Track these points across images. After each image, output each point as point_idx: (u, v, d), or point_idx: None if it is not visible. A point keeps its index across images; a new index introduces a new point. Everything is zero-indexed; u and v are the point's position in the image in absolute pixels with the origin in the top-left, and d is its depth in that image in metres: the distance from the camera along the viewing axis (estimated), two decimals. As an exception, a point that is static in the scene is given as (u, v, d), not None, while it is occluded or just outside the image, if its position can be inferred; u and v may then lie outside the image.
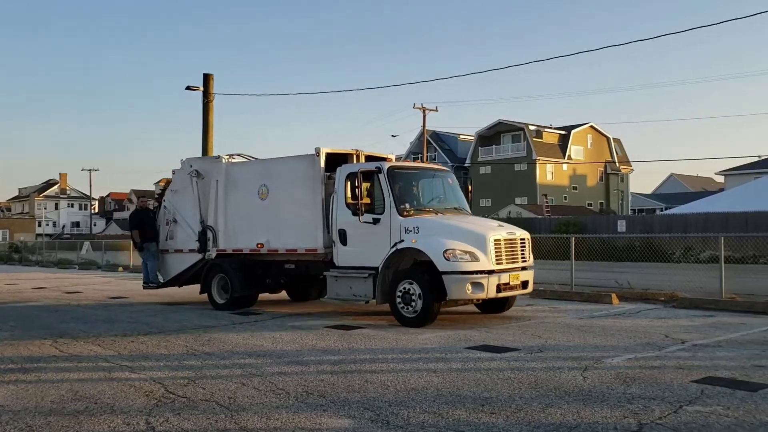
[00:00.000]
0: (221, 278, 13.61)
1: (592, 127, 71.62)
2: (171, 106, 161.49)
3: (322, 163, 12.24)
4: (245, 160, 14.54)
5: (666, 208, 60.21)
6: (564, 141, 69.19)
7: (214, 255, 13.83)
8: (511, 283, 10.80)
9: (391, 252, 10.97)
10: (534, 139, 66.57)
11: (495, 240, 10.64)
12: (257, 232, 13.20)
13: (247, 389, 6.77)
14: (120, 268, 29.90)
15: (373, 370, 7.60)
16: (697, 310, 12.66)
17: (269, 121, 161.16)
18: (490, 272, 10.45)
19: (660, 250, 23.65)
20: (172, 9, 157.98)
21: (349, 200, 11.25)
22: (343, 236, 11.61)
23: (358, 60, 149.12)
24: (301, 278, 13.59)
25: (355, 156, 12.78)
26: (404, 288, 10.72)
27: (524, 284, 11.21)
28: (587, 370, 7.44)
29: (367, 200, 11.25)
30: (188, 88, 24.62)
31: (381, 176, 11.30)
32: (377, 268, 11.15)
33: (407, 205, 11.24)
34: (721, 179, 57.40)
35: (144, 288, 15.40)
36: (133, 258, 30.24)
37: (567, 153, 68.66)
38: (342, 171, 11.73)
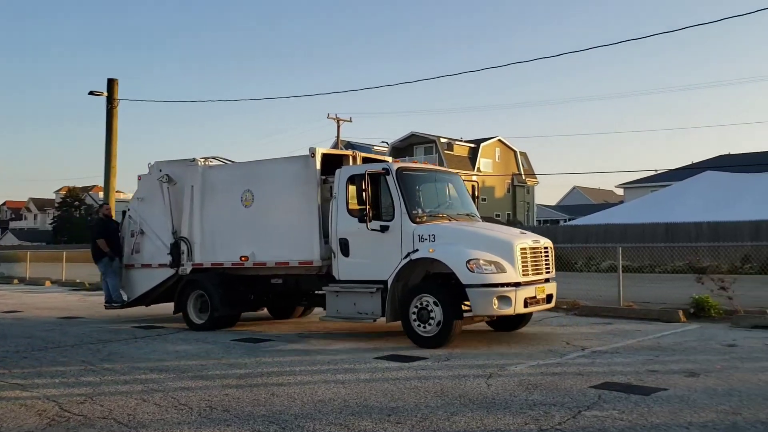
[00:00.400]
0: (199, 296, 12.19)
1: (500, 140, 73.56)
2: (71, 112, 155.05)
3: (318, 165, 11.03)
4: (222, 163, 13.21)
5: (569, 219, 62.49)
6: (474, 154, 70.75)
7: (189, 270, 12.38)
8: (537, 297, 9.80)
9: (403, 263, 9.86)
10: (445, 151, 67.75)
11: (521, 248, 9.65)
12: (241, 244, 11.80)
13: (147, 405, 6.53)
14: (15, 281, 28.35)
15: (280, 383, 7.50)
16: (597, 317, 13.12)
17: (178, 131, 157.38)
18: (517, 285, 9.43)
19: (563, 259, 24.45)
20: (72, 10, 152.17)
21: (352, 206, 10.26)
22: (344, 246, 10.44)
23: (271, 72, 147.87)
24: (290, 294, 12.18)
25: (351, 158, 11.63)
26: (421, 303, 9.63)
27: (548, 298, 10.22)
28: (492, 378, 7.59)
29: (355, 206, 10.30)
30: (91, 93, 23.70)
31: (389, 178, 10.16)
32: (385, 281, 10.02)
33: (420, 211, 10.21)
34: (620, 192, 60.03)
35: (107, 308, 13.80)
36: (30, 270, 28.81)
37: (476, 165, 70.23)
38: (342, 173, 10.62)
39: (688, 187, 34.62)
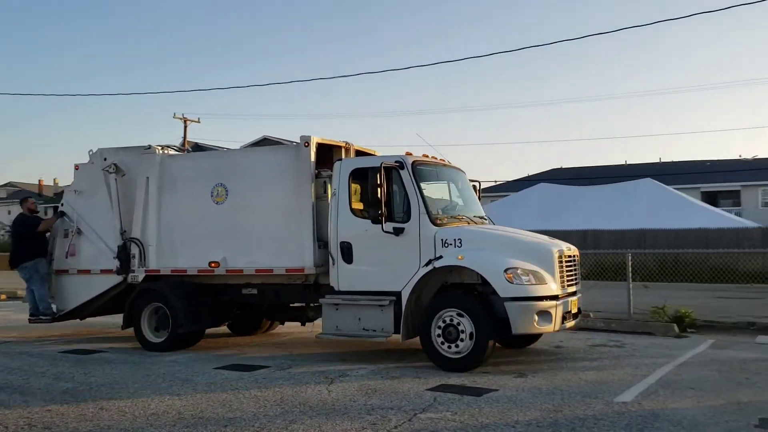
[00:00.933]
0: (156, 309, 10.29)
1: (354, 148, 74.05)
2: None
3: (313, 157, 9.52)
4: (184, 152, 11.37)
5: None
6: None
7: (141, 277, 10.47)
8: (571, 311, 8.71)
9: (424, 271, 8.55)
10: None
11: (559, 256, 8.61)
12: (210, 247, 10.04)
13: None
14: None
15: (109, 397, 7.12)
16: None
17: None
18: (555, 298, 8.33)
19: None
20: None
21: (356, 204, 9.02)
22: (347, 251, 8.99)
23: (116, 68, 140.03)
24: (266, 307, 10.63)
25: (344, 149, 10.16)
26: (447, 320, 8.34)
27: (579, 312, 9.19)
28: (333, 384, 7.64)
29: (360, 205, 9.08)
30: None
31: (404, 173, 8.83)
32: (398, 293, 8.69)
33: (439, 212, 9.08)
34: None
35: (31, 321, 11.48)
36: None
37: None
38: (343, 167, 9.20)
39: (524, 198, 36.63)
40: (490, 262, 8.32)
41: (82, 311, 11.28)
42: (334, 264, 9.11)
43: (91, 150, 11.37)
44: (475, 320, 8.19)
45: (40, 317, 11.35)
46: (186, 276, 10.32)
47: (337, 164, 9.30)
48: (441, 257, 8.49)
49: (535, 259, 8.37)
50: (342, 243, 9.03)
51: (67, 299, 11.26)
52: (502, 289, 8.10)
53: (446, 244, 8.53)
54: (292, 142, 10.62)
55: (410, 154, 9.11)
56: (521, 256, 8.35)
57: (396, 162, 8.85)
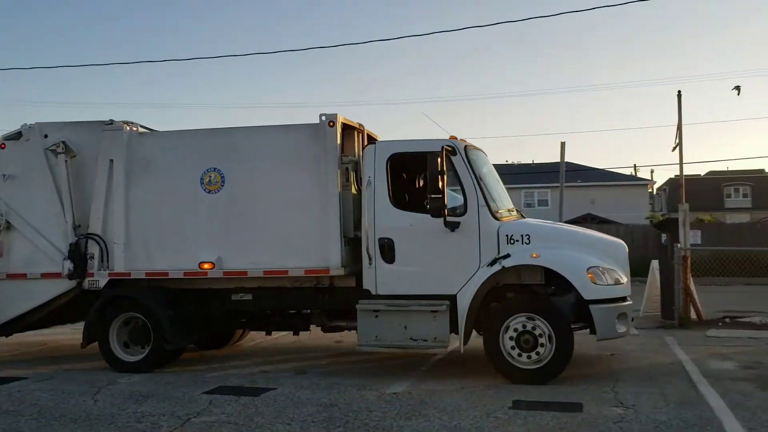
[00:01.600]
0: (132, 321, 8.58)
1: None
2: None
3: (339, 139, 8.22)
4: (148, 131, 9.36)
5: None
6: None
7: (103, 282, 8.66)
8: None
9: (492, 271, 7.57)
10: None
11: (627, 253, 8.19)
12: (199, 245, 8.44)
13: None
14: None
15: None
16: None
17: None
18: (625, 299, 7.77)
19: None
20: None
21: (396, 195, 8.03)
22: (388, 249, 7.86)
23: None
24: (259, 315, 9.06)
25: (357, 132, 8.73)
26: (521, 326, 7.44)
27: None
28: (100, 393, 7.20)
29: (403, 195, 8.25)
30: None
31: (456, 159, 7.82)
32: (452, 296, 7.71)
33: (496, 204, 8.09)
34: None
35: None
36: None
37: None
38: (379, 151, 8.07)
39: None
40: (569, 260, 7.60)
41: (12, 327, 9.07)
42: (371, 264, 7.89)
43: (25, 124, 9.16)
44: (554, 325, 7.37)
45: None
46: (165, 280, 8.61)
47: (370, 148, 8.14)
48: (509, 255, 7.59)
49: (611, 257, 7.85)
50: (381, 240, 7.87)
51: None
52: (586, 290, 7.39)
53: (512, 241, 7.69)
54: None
55: (454, 137, 8.07)
56: (596, 254, 7.78)
57: (449, 146, 7.79)
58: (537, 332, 7.38)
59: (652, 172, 66.36)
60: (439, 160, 7.48)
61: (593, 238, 8.30)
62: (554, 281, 7.68)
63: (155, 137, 9.16)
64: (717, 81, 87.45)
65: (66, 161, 8.81)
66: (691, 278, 12.20)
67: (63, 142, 8.81)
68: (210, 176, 8.48)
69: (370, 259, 7.88)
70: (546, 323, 7.37)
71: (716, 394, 6.80)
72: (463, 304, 7.57)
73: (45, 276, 8.75)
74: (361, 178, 8.24)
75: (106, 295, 8.57)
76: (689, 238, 12.38)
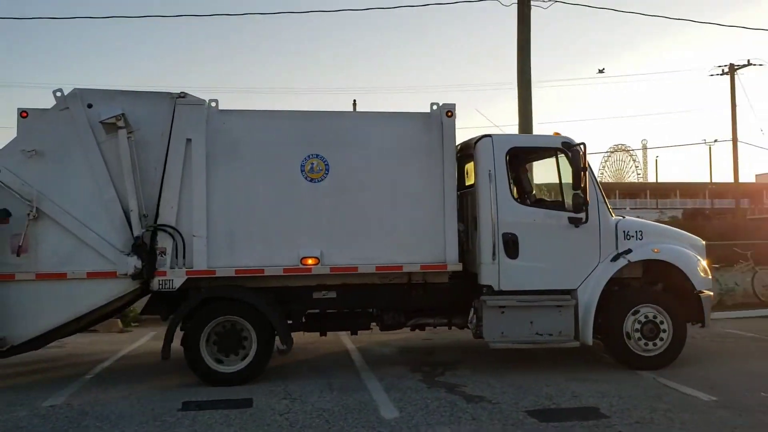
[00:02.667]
0: (228, 325, 7.42)
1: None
2: None
3: (455, 131, 7.92)
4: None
5: None
6: None
7: (179, 282, 7.34)
8: None
9: (620, 266, 7.93)
10: None
11: None
12: (299, 238, 7.62)
13: None
14: None
15: None
16: None
17: None
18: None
19: None
20: None
21: (519, 190, 8.20)
22: (512, 245, 7.77)
23: None
24: (340, 314, 8.25)
25: None
26: (644, 316, 7.83)
27: None
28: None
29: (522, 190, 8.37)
30: None
31: (574, 155, 7.79)
32: (572, 290, 7.90)
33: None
34: None
35: None
36: None
37: None
38: (497, 145, 7.94)
39: None
40: (682, 255, 8.21)
41: (45, 340, 7.46)
42: (494, 260, 7.75)
43: (59, 90, 7.37)
44: (672, 314, 7.92)
45: None
46: (258, 278, 7.59)
47: (486, 141, 7.97)
48: (631, 250, 8.00)
49: (698, 251, 8.48)
50: (506, 234, 7.79)
51: (19, 322, 7.18)
52: (697, 282, 8.10)
53: (628, 237, 8.10)
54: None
55: (559, 134, 8.21)
56: (691, 249, 8.41)
57: (579, 143, 7.88)
58: (658, 321, 7.86)
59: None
60: (581, 157, 7.67)
61: (680, 233, 8.87)
62: (650, 274, 8.35)
63: (243, 116, 7.82)
64: None
65: (129, 137, 7.27)
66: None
67: (123, 115, 7.20)
68: (312, 163, 7.68)
69: (493, 254, 7.76)
70: (665, 313, 7.88)
71: (375, 378, 7.54)
72: (586, 298, 7.84)
73: (92, 275, 7.23)
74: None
75: (203, 297, 7.40)
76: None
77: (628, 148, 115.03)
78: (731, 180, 30.28)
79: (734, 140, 31.02)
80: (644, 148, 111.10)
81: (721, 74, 31.82)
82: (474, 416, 6.07)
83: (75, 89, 7.44)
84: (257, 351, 7.40)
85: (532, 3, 15.00)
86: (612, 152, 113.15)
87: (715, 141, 48.28)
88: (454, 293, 8.06)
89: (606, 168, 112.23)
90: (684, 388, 6.95)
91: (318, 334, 8.44)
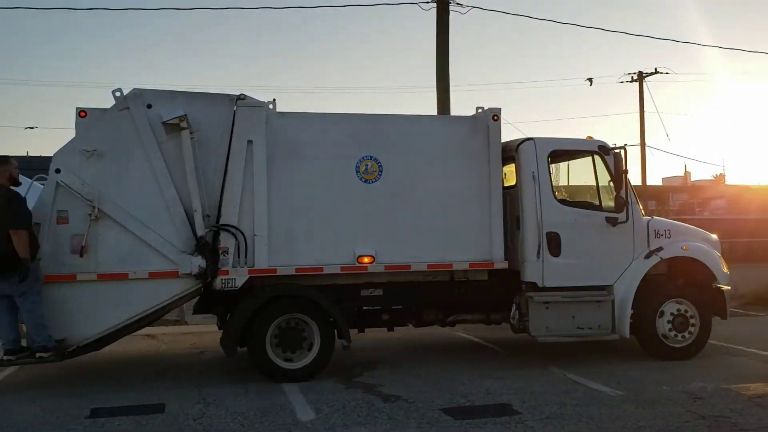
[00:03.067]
0: (290, 322, 7.52)
1: None
2: None
3: (500, 134, 8.26)
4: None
5: None
6: None
7: (241, 281, 7.39)
8: None
9: (653, 263, 8.45)
10: None
11: None
12: (355, 237, 7.78)
13: None
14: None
15: None
16: None
17: None
18: None
19: None
20: None
21: (559, 190, 8.53)
22: (555, 243, 8.15)
23: None
24: (385, 311, 8.41)
25: None
26: (675, 309, 8.40)
27: None
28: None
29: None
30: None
31: (609, 159, 8.36)
32: (609, 286, 8.35)
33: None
34: None
35: (10, 362, 7.00)
36: None
37: None
38: (540, 147, 8.32)
39: None
40: (707, 253, 8.78)
41: (105, 340, 7.63)
42: (538, 257, 8.10)
43: (118, 90, 7.38)
44: (699, 307, 8.47)
45: (38, 355, 6.89)
46: (316, 276, 7.78)
47: (530, 144, 8.34)
48: (662, 248, 8.51)
49: (714, 247, 9.05)
50: (549, 234, 8.16)
51: (80, 323, 7.20)
52: (721, 277, 8.69)
53: (658, 235, 8.60)
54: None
55: (592, 138, 8.70)
56: (709, 245, 8.99)
57: (619, 147, 8.52)
58: (688, 314, 8.41)
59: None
60: (620, 159, 8.20)
61: (700, 231, 9.33)
62: (673, 270, 8.77)
63: (300, 118, 8.00)
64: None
65: (191, 138, 7.32)
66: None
67: (185, 116, 7.26)
68: (366, 164, 7.88)
69: (538, 252, 8.09)
70: (693, 306, 8.44)
71: (292, 381, 7.38)
72: (622, 293, 8.29)
73: (154, 275, 7.28)
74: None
75: (267, 295, 7.51)
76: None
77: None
78: (639, 183, 31.58)
79: (642, 145, 32.34)
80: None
81: (630, 81, 33.17)
82: (390, 416, 6.13)
83: (135, 89, 7.43)
84: (321, 347, 7.55)
85: (450, 8, 15.26)
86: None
87: (625, 145, 50.40)
88: (493, 290, 8.34)
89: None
90: (592, 383, 7.24)
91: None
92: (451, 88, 15.09)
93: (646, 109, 32.07)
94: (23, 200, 7.03)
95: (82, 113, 7.36)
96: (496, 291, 8.33)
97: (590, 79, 32.34)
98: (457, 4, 15.22)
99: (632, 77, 32.92)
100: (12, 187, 7.07)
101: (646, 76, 32.60)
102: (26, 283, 6.73)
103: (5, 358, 7.00)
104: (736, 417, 5.95)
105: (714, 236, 9.27)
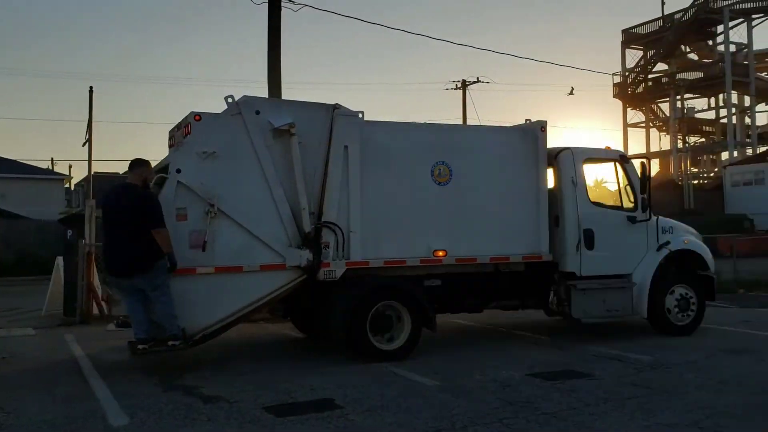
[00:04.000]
0: (381, 309, 8.31)
1: None
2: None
3: (547, 142, 9.47)
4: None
5: None
6: None
7: (340, 272, 8.19)
8: None
9: (664, 255, 9.97)
10: None
11: None
12: (428, 234, 8.77)
13: None
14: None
15: None
16: None
17: None
18: None
19: None
20: None
21: (593, 193, 9.93)
22: (590, 238, 9.47)
23: None
24: (445, 300, 9.16)
25: None
26: (681, 294, 9.99)
27: None
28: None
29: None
30: None
31: (629, 166, 10.04)
32: (628, 275, 9.79)
33: None
34: None
35: (143, 352, 7.48)
36: None
37: None
38: (577, 156, 9.66)
39: None
40: (701, 245, 10.51)
41: (219, 330, 7.96)
42: (577, 251, 9.43)
43: (230, 96, 7.91)
44: (697, 292, 10.06)
45: (174, 342, 7.36)
46: (397, 268, 8.67)
47: (567, 153, 9.62)
48: (669, 242, 10.03)
49: (701, 240, 10.75)
50: (585, 230, 9.47)
51: (198, 313, 7.67)
52: (712, 267, 10.39)
53: (665, 231, 10.10)
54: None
55: (610, 148, 10.46)
56: (698, 239, 10.70)
57: (621, 155, 10.25)
58: (689, 297, 10.01)
59: (70, 167, 64.33)
60: (646, 168, 9.82)
61: (690, 228, 10.96)
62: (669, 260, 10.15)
63: (386, 127, 8.94)
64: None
65: (299, 143, 8.06)
66: (97, 274, 12.22)
67: (293, 124, 8.01)
68: (440, 169, 8.83)
69: (577, 246, 9.42)
70: (693, 291, 10.04)
71: (105, 385, 7.08)
72: (639, 280, 9.75)
73: (265, 268, 7.98)
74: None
75: (369, 285, 8.43)
76: (94, 234, 12.36)
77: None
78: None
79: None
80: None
81: (455, 88, 34.80)
82: (210, 417, 5.97)
83: (245, 96, 8.05)
84: (411, 331, 8.43)
85: (282, 4, 15.15)
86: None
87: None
88: (530, 279, 9.52)
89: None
90: (412, 375, 7.51)
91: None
92: (285, 85, 15.02)
93: (468, 116, 33.83)
94: (157, 200, 7.43)
95: (196, 117, 7.81)
96: (530, 280, 9.53)
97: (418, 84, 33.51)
98: (289, 0, 15.18)
99: (456, 85, 34.58)
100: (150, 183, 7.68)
101: (469, 85, 34.38)
102: (160, 277, 7.28)
103: (140, 347, 7.43)
104: (540, 402, 6.40)
105: (695, 231, 10.96)
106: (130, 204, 7.34)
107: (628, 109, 54.47)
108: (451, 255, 8.85)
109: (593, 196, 9.92)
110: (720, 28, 49.00)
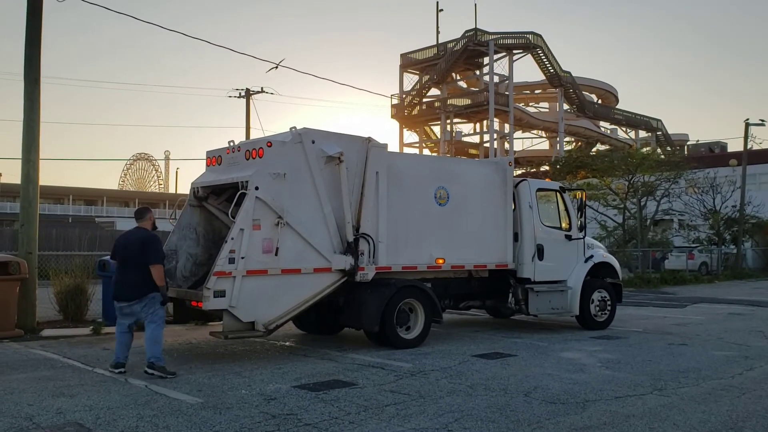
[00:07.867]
0: (407, 306, 10.38)
1: None
2: None
3: (513, 174, 12.47)
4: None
5: None
6: None
7: (371, 275, 10.05)
8: None
9: (589, 265, 12.69)
10: None
11: None
12: (432, 245, 10.86)
13: None
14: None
15: None
16: None
17: None
18: None
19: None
20: None
21: (543, 215, 12.34)
22: (541, 251, 12.08)
23: None
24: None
25: None
26: (601, 297, 12.65)
27: None
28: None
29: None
30: None
31: (565, 195, 12.79)
32: (564, 281, 12.37)
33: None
34: None
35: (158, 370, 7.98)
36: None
37: None
38: (532, 186, 12.41)
39: None
40: (613, 259, 13.63)
41: (277, 324, 9.36)
42: (532, 261, 11.99)
43: (293, 127, 9.71)
44: (611, 296, 12.87)
45: (151, 369, 8.03)
46: (409, 273, 10.63)
47: (525, 184, 12.29)
48: (593, 256, 12.87)
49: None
50: (538, 245, 12.09)
51: (265, 308, 9.11)
52: (620, 275, 13.53)
53: (589, 246, 13.03)
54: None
55: (556, 182, 13.99)
56: (609, 254, 13.96)
57: (560, 186, 13.07)
58: (606, 300, 12.75)
59: None
60: (584, 197, 12.86)
61: (600, 245, 14.21)
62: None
63: (402, 157, 12.04)
64: None
65: (347, 169, 9.81)
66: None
67: (342, 153, 9.77)
68: (440, 192, 11.00)
69: (532, 258, 11.99)
70: (609, 295, 12.80)
71: None
72: (572, 285, 12.42)
73: (317, 270, 9.57)
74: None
75: (397, 286, 10.13)
76: None
77: (151, 158, 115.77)
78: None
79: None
80: (167, 159, 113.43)
81: (238, 97, 34.29)
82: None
83: (305, 128, 9.73)
84: (424, 323, 10.43)
85: (45, -7, 13.83)
86: (135, 161, 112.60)
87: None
88: (491, 283, 11.93)
89: (128, 176, 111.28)
90: (173, 393, 7.18)
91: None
92: (44, 80, 13.69)
93: (252, 125, 33.50)
94: (160, 241, 8.47)
95: (268, 143, 9.38)
96: (492, 284, 11.93)
97: (199, 90, 32.61)
98: (54, -10, 13.94)
99: (240, 93, 34.12)
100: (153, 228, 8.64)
101: (252, 94, 34.10)
102: (153, 306, 8.15)
103: (154, 369, 8.06)
104: (303, 413, 6.40)
105: (604, 247, 14.35)
106: (138, 242, 8.26)
107: (405, 130, 57.51)
108: (448, 262, 10.99)
109: (543, 218, 12.38)
110: (486, 60, 53.41)
